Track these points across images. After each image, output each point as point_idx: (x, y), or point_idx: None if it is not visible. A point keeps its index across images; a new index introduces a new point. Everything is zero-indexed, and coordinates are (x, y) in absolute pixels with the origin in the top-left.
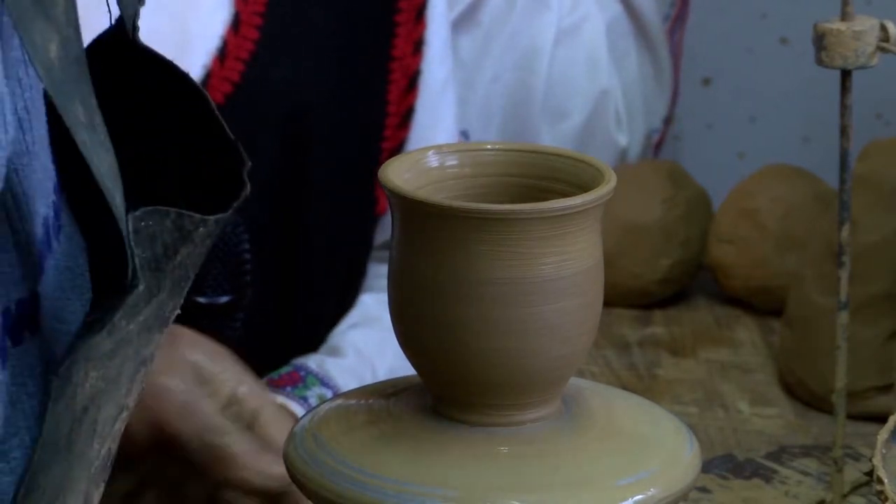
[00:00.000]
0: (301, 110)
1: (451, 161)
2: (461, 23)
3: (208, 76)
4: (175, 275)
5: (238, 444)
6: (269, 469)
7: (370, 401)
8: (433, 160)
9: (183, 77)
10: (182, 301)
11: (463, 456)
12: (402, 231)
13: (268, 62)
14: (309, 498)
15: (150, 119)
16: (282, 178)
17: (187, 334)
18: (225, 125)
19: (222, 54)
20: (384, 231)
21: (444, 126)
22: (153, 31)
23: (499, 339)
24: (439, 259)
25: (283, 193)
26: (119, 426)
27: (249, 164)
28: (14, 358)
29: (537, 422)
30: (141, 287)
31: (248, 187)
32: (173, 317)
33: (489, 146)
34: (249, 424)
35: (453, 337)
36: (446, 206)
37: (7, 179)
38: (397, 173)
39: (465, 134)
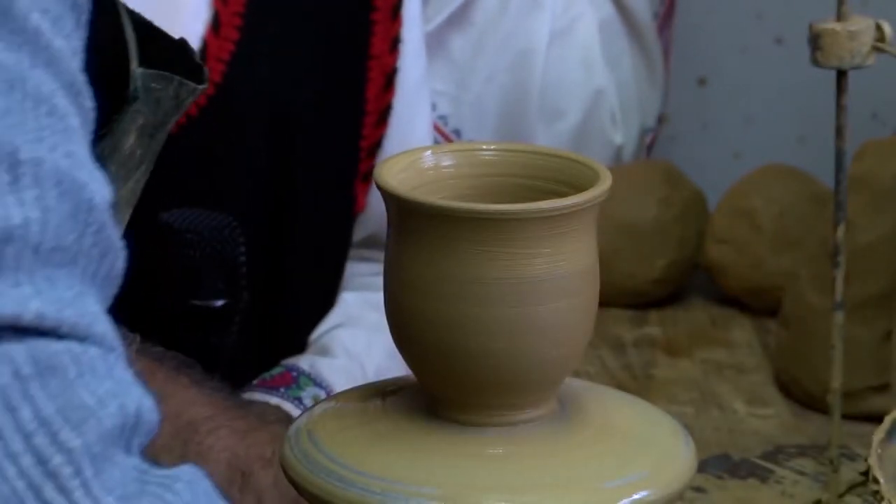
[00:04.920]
0: (283, 110)
1: (447, 161)
2: (454, 22)
3: None
4: (152, 150)
5: None
6: None
7: (366, 400)
8: (429, 160)
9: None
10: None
11: (452, 455)
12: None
13: (248, 62)
14: (300, 495)
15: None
16: (270, 178)
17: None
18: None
19: (203, 55)
20: (362, 229)
21: (420, 123)
22: None
23: (492, 340)
24: (433, 259)
25: (271, 194)
26: None
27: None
28: None
29: (531, 422)
30: (138, 152)
31: (206, 70)
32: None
33: (485, 146)
34: None
35: (447, 337)
36: (439, 207)
37: None
38: (392, 173)
39: (457, 132)
